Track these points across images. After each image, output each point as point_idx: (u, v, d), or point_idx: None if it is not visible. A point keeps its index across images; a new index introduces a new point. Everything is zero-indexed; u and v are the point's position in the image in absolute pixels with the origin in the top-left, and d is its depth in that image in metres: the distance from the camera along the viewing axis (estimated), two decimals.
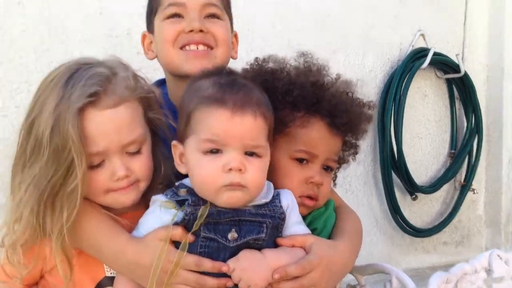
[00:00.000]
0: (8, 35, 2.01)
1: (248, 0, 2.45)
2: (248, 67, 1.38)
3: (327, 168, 1.32)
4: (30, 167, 1.10)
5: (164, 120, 1.26)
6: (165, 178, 1.24)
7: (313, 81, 1.28)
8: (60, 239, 1.10)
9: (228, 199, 1.09)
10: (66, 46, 2.09)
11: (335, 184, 1.47)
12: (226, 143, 1.08)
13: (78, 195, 1.09)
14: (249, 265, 1.09)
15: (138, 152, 1.18)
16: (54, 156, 1.07)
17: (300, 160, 1.27)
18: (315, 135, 1.26)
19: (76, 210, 1.10)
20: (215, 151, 1.09)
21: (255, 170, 1.11)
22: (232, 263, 1.09)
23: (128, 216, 1.21)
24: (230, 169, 1.08)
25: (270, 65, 1.34)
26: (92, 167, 1.13)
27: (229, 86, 1.12)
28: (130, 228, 1.18)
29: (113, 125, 1.13)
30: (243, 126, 1.08)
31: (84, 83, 1.09)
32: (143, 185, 1.21)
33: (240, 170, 1.08)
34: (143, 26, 2.17)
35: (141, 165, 1.19)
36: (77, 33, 2.10)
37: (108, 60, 1.20)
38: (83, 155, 1.08)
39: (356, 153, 1.41)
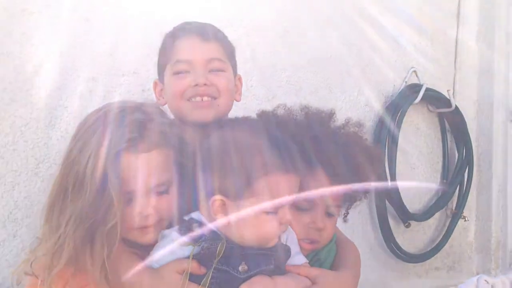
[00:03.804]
0: (22, 74, 1.98)
1: (249, 39, 2.42)
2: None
3: (329, 214, 1.32)
4: (71, 203, 1.11)
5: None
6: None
7: (312, 135, 1.29)
8: (104, 273, 1.11)
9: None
10: (76, 84, 2.06)
11: (345, 221, 1.46)
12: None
13: (117, 232, 1.11)
14: None
15: (166, 192, 1.20)
16: (96, 196, 1.09)
17: (302, 207, 1.29)
18: (315, 185, 1.27)
19: (116, 245, 1.12)
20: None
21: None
22: (246, 286, 1.11)
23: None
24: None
25: (275, 118, 1.37)
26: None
27: (284, 150, 1.14)
28: (144, 257, 1.19)
29: (145, 168, 1.15)
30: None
31: (123, 130, 1.13)
32: (164, 224, 1.22)
33: None
34: (148, 66, 2.18)
35: (168, 205, 1.21)
36: (86, 72, 2.08)
37: (147, 105, 1.24)
38: (120, 196, 1.11)
39: (367, 192, 1.41)
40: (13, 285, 1.20)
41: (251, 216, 1.12)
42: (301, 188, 1.25)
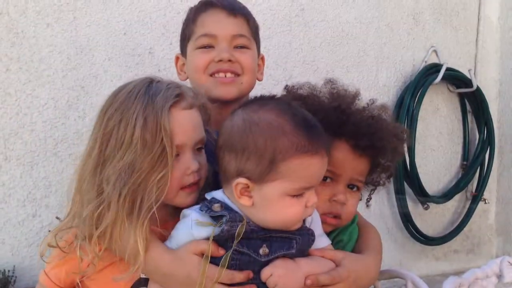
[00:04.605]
0: (37, 54, 2.00)
1: (264, 18, 2.40)
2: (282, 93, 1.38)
3: (352, 187, 1.29)
4: (115, 164, 1.14)
5: (213, 134, 1.31)
6: (207, 185, 1.27)
7: (336, 106, 1.27)
8: (146, 220, 1.14)
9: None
10: (91, 65, 2.07)
11: (368, 206, 1.44)
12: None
13: (167, 181, 1.14)
14: (285, 271, 1.09)
15: (201, 151, 1.24)
16: (144, 150, 1.13)
17: (324, 178, 1.25)
18: (339, 156, 1.24)
19: (165, 193, 1.14)
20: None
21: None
22: (269, 269, 1.09)
23: (161, 226, 1.22)
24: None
25: (300, 91, 1.35)
26: None
27: (311, 130, 1.10)
28: (164, 236, 1.20)
29: (191, 123, 1.20)
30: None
31: (167, 88, 1.18)
32: (201, 185, 1.24)
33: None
34: (164, 45, 2.17)
35: (204, 162, 1.24)
36: (101, 52, 2.08)
37: (167, 79, 1.28)
38: (174, 145, 1.14)
39: (390, 175, 1.38)
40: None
41: (276, 199, 1.08)
42: None
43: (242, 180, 1.08)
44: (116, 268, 1.19)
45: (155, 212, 1.20)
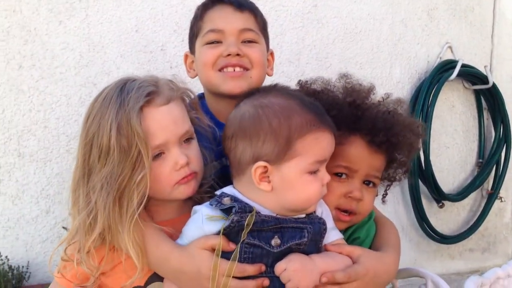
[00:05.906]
0: (50, 52, 2.00)
1: (277, 15, 2.37)
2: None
3: (368, 183, 1.27)
4: (98, 173, 1.13)
5: (205, 120, 1.31)
6: (208, 175, 1.26)
7: (350, 101, 1.25)
8: (132, 225, 1.13)
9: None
10: (103, 62, 2.07)
11: (384, 202, 1.39)
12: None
13: (147, 182, 1.13)
14: (300, 267, 1.07)
15: (190, 142, 1.22)
16: (122, 156, 1.12)
17: (339, 175, 1.24)
18: (354, 152, 1.23)
19: (146, 196, 1.13)
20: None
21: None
22: (284, 263, 1.07)
23: (170, 223, 1.21)
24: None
25: (313, 86, 1.33)
26: (155, 161, 1.16)
27: (317, 109, 1.14)
28: (173, 235, 1.18)
29: (169, 118, 1.18)
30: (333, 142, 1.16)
31: (138, 88, 1.16)
32: (199, 176, 1.23)
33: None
34: (175, 42, 2.16)
35: (195, 153, 1.23)
36: (114, 49, 2.08)
37: (145, 76, 1.26)
38: (148, 147, 1.13)
39: (407, 171, 1.34)
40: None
41: (295, 177, 1.09)
42: (340, 155, 1.21)
43: (261, 164, 1.08)
44: (127, 265, 1.17)
45: (161, 209, 1.21)
